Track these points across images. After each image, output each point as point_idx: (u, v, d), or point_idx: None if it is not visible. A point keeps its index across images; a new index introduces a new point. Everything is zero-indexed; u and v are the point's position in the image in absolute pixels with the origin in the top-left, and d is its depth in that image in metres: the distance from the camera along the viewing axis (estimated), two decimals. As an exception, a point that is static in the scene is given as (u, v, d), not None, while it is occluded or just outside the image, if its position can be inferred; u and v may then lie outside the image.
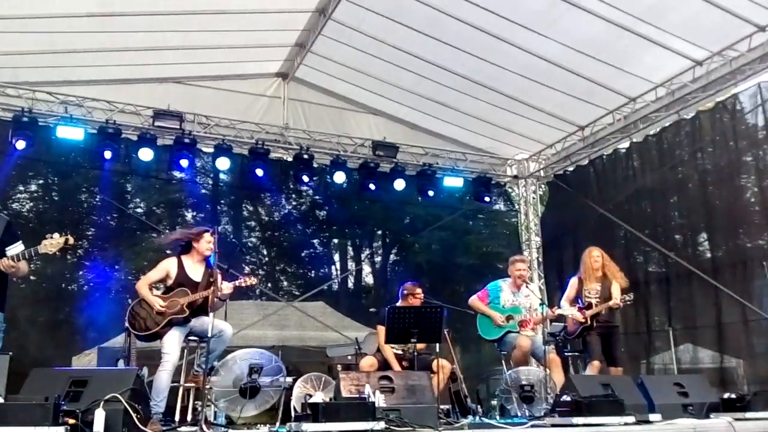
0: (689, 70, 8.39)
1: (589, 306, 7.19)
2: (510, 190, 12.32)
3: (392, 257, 16.92)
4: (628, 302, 7.24)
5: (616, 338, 7.37)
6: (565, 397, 5.55)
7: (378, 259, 17.31)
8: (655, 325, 9.57)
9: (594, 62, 8.49)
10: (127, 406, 4.29)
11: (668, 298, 9.31)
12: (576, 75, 8.78)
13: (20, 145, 8.65)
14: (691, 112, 9.03)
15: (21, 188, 12.81)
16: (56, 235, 5.25)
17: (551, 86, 9.14)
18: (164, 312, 5.90)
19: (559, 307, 7.39)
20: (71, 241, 5.28)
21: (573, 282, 7.49)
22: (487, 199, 11.36)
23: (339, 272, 17.38)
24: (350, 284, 17.57)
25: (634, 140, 9.93)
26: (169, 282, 6.10)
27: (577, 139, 10.42)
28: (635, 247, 9.97)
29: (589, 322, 7.14)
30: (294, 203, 15.51)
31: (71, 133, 9.01)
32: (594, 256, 7.43)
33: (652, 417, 5.61)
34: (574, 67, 8.66)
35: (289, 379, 6.68)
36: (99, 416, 4.13)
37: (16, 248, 5.34)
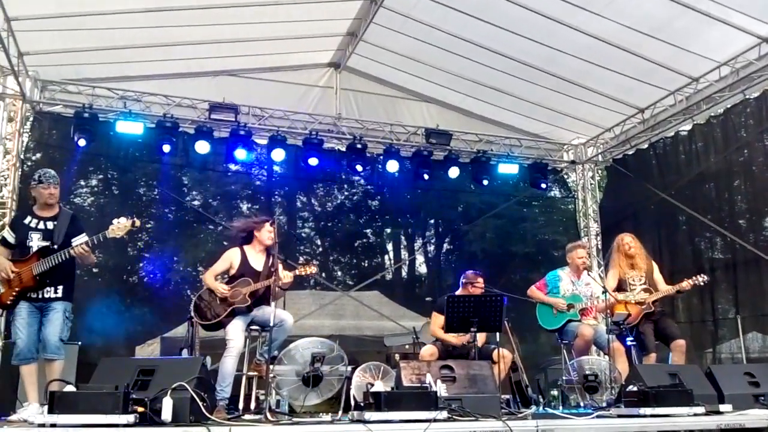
0: (755, 47, 8.06)
1: (649, 291, 7.01)
2: (566, 176, 12.10)
3: (446, 246, 16.81)
4: (703, 283, 7.04)
5: (666, 319, 7.17)
6: (632, 387, 5.44)
7: (431, 248, 17.24)
8: (720, 313, 9.27)
9: (654, 41, 8.22)
10: (194, 395, 4.35)
11: (735, 285, 9.00)
12: (635, 55, 8.53)
13: (82, 141, 8.87)
14: (757, 91, 8.64)
15: (82, 183, 13.16)
16: (123, 219, 5.45)
17: (609, 68, 8.90)
18: (227, 299, 6.00)
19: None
20: (137, 223, 5.47)
21: (613, 273, 7.31)
22: (543, 185, 11.15)
23: (392, 262, 17.38)
24: (404, 274, 17.55)
25: (697, 122, 9.60)
26: (232, 272, 6.23)
27: (637, 122, 10.14)
28: (698, 232, 9.69)
29: (653, 308, 6.97)
30: (346, 193, 15.56)
31: (130, 128, 9.20)
32: (628, 242, 7.26)
33: (722, 407, 5.46)
34: (633, 47, 8.41)
35: (348, 369, 6.70)
36: (167, 404, 4.21)
37: (81, 239, 5.54)
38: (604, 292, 7.01)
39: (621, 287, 7.18)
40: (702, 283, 7.05)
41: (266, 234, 6.24)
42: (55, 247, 5.49)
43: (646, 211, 10.45)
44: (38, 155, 9.59)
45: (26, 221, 5.65)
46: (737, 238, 8.94)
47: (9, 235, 5.69)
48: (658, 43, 8.24)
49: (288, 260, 6.49)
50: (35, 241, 5.55)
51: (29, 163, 9.12)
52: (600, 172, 11.79)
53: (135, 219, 5.50)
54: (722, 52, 8.34)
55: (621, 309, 7.05)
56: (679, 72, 8.86)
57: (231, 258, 6.28)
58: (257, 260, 6.29)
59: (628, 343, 7.57)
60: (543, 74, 9.35)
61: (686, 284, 6.98)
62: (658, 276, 7.21)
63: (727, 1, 7.38)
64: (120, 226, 5.45)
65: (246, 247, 6.34)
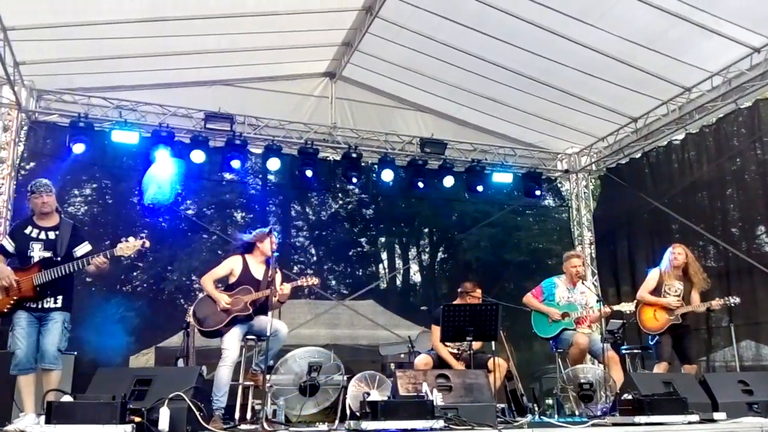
0: (746, 57, 8.15)
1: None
2: (560, 185, 12.17)
3: (440, 255, 16.78)
4: (733, 305, 7.10)
5: (689, 337, 7.23)
6: (626, 396, 5.46)
7: (426, 257, 17.22)
8: (713, 321, 9.29)
9: (647, 52, 8.31)
10: (191, 404, 4.35)
11: (728, 294, 8.99)
12: (629, 66, 8.61)
13: (78, 148, 8.88)
14: (749, 101, 8.76)
15: (76, 192, 13.08)
16: (131, 239, 5.42)
17: (603, 78, 8.98)
18: (229, 309, 6.01)
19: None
20: (147, 244, 5.45)
21: (654, 274, 7.33)
22: (537, 194, 11.21)
23: (387, 271, 17.34)
24: (398, 283, 17.51)
25: (690, 131, 9.69)
26: (232, 280, 6.24)
27: (630, 132, 10.22)
28: (692, 241, 9.67)
29: (681, 320, 7.02)
30: (341, 202, 15.50)
31: (126, 137, 9.22)
32: (676, 253, 7.28)
33: (716, 416, 5.48)
34: (626, 58, 8.50)
35: (344, 378, 6.70)
36: (164, 414, 4.21)
37: (84, 248, 5.54)
38: (599, 301, 7.06)
39: (656, 290, 7.22)
40: (733, 305, 7.11)
41: (269, 246, 6.25)
42: (58, 258, 5.48)
43: (639, 220, 10.51)
44: (32, 164, 9.56)
45: (27, 231, 5.62)
46: (730, 246, 9.00)
47: (8, 244, 5.66)
48: (652, 54, 8.32)
49: (283, 270, 6.51)
50: (36, 252, 5.53)
51: (23, 173, 9.11)
52: (594, 181, 11.85)
53: (145, 240, 5.49)
54: (715, 63, 8.43)
55: (650, 316, 7.08)
56: (673, 82, 8.94)
57: (232, 265, 6.30)
58: (258, 270, 6.31)
59: (623, 351, 7.62)
60: (537, 84, 9.41)
61: (716, 303, 7.05)
62: (696, 296, 7.21)
63: (720, 12, 7.47)
64: (129, 245, 5.45)
65: (247, 256, 6.37)
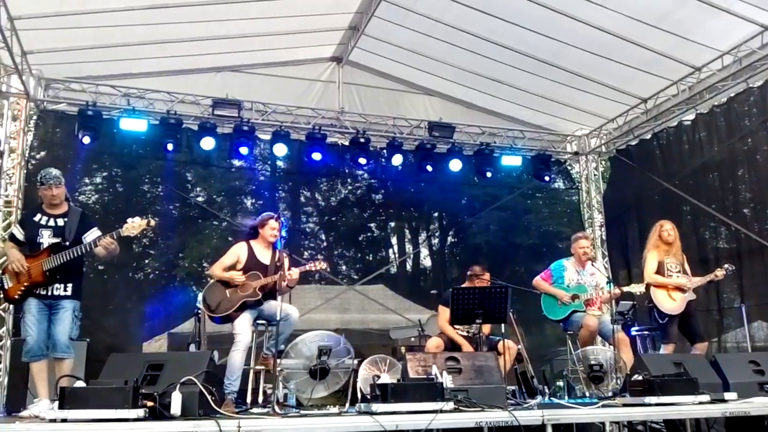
0: (757, 35, 8.06)
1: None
2: (570, 167, 12.10)
3: (450, 239, 16.75)
4: (729, 273, 7.18)
5: (695, 314, 7.21)
6: (636, 377, 5.45)
7: (435, 241, 17.19)
8: (725, 302, 9.26)
9: (656, 32, 8.22)
10: (203, 389, 4.38)
11: (740, 274, 8.95)
12: (638, 46, 8.53)
13: (86, 139, 8.92)
14: (760, 80, 8.62)
15: (86, 181, 13.13)
16: (137, 219, 5.45)
17: (612, 59, 8.90)
18: (239, 293, 6.05)
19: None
20: (152, 223, 5.49)
21: (654, 255, 7.29)
22: (546, 177, 11.17)
23: (397, 255, 17.37)
24: (408, 267, 17.53)
25: (700, 111, 9.59)
26: (239, 266, 6.27)
27: (640, 113, 10.14)
28: (703, 222, 9.68)
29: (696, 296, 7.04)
30: (350, 187, 15.48)
31: (134, 125, 9.24)
32: (668, 229, 7.27)
33: (727, 396, 5.47)
34: (635, 37, 8.41)
35: (355, 362, 6.73)
36: (176, 398, 4.24)
37: (93, 234, 5.57)
38: (609, 282, 7.04)
39: (659, 272, 7.20)
40: (730, 272, 7.22)
41: (269, 231, 6.28)
42: (67, 243, 5.52)
43: (650, 202, 10.44)
44: (42, 153, 9.60)
45: (36, 218, 5.67)
46: (742, 227, 8.94)
47: (18, 232, 5.73)
48: (661, 33, 8.23)
49: (292, 255, 6.53)
50: (46, 238, 5.58)
51: (33, 162, 9.15)
52: (603, 162, 11.78)
53: (150, 219, 5.51)
54: (725, 41, 8.33)
55: (666, 297, 7.07)
56: (682, 62, 8.85)
57: (238, 252, 6.33)
58: (264, 255, 6.35)
59: (633, 332, 7.60)
60: (546, 66, 9.34)
61: (720, 273, 7.09)
62: (687, 269, 7.27)
63: (729, -11, 7.38)
64: (135, 225, 5.47)
65: (252, 242, 6.40)
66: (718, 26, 7.99)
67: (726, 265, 7.22)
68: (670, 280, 7.11)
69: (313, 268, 6.41)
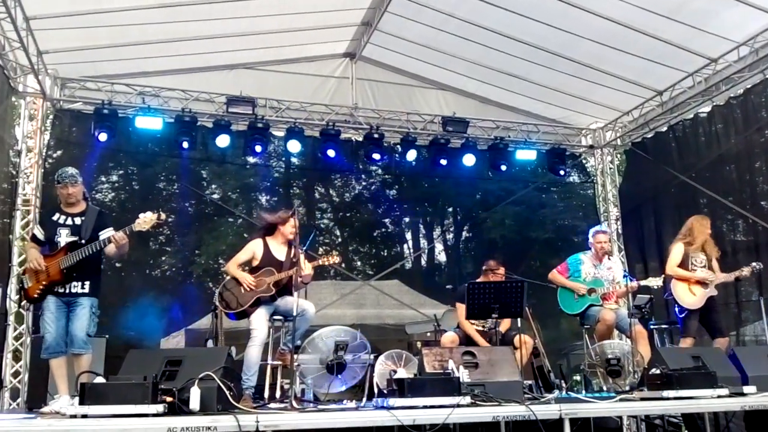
0: (773, 26, 7.96)
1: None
2: (585, 160, 12.04)
3: (465, 234, 16.78)
4: (757, 272, 7.14)
5: (717, 309, 7.17)
6: (654, 370, 5.42)
7: (450, 236, 17.23)
8: (743, 295, 9.18)
9: (671, 23, 8.12)
10: (221, 384, 4.42)
11: (756, 267, 8.91)
12: (652, 38, 8.43)
13: (102, 137, 8.99)
14: (778, 71, 8.56)
15: (103, 179, 13.28)
16: (149, 213, 5.51)
17: (626, 51, 8.81)
18: (252, 290, 6.08)
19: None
20: (163, 217, 5.55)
21: (680, 248, 7.25)
22: (561, 171, 11.07)
23: (411, 251, 17.41)
24: (423, 262, 17.59)
25: (716, 103, 9.48)
26: (255, 263, 6.31)
27: (656, 105, 10.04)
28: (720, 215, 9.56)
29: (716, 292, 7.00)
30: (364, 183, 15.54)
31: (150, 123, 9.29)
32: (705, 224, 7.25)
33: (746, 389, 5.43)
34: (650, 29, 8.32)
35: (371, 356, 6.75)
36: (194, 394, 4.27)
37: (107, 232, 5.63)
38: (626, 276, 7.00)
39: (682, 265, 7.17)
40: (758, 269, 7.12)
41: (290, 228, 6.32)
42: (83, 242, 5.57)
43: (666, 195, 10.35)
44: (59, 152, 9.70)
45: (54, 218, 5.74)
46: (760, 219, 8.84)
47: (39, 232, 5.81)
48: (676, 25, 8.14)
49: (308, 251, 6.56)
50: (63, 237, 5.64)
51: (50, 161, 9.23)
52: (619, 156, 11.70)
53: (160, 213, 5.57)
54: (740, 32, 8.22)
55: (686, 291, 7.03)
56: (698, 53, 8.75)
57: (254, 249, 6.37)
58: (279, 251, 6.38)
59: (651, 326, 7.56)
60: (560, 59, 9.28)
61: (747, 271, 7.05)
62: (716, 266, 7.22)
63: (745, -21, 7.30)
64: (146, 220, 5.53)
65: (268, 239, 6.43)
66: (733, 17, 7.89)
67: (754, 264, 7.14)
68: (692, 273, 7.06)
69: (326, 262, 6.46)
